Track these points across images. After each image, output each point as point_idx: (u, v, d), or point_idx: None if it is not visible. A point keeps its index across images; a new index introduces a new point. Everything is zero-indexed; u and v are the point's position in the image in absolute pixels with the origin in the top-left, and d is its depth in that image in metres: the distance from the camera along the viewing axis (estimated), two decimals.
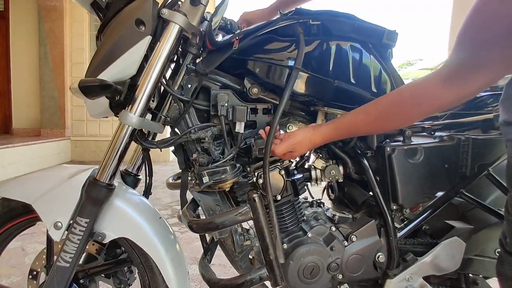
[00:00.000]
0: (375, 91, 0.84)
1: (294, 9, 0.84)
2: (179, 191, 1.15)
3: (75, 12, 5.41)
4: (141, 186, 0.99)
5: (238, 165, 0.81)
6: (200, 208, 0.82)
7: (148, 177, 0.96)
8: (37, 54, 5.34)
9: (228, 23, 1.08)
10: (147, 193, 0.96)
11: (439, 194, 0.90)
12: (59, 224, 0.76)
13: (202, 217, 0.79)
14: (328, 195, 1.08)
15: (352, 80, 0.81)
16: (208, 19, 0.85)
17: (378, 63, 0.85)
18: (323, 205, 1.01)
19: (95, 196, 0.75)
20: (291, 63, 0.77)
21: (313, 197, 1.02)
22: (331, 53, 0.80)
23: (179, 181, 1.01)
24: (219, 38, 1.08)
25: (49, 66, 5.32)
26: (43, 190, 0.79)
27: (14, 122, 5.49)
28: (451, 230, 0.90)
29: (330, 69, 0.79)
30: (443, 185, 0.89)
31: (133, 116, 0.73)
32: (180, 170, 0.92)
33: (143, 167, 0.98)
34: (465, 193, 0.89)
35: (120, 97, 0.74)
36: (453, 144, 0.88)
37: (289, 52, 0.78)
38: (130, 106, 0.74)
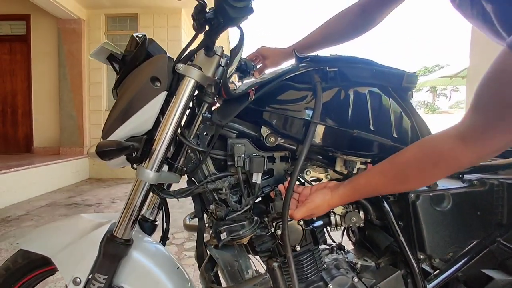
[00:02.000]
0: (396, 136, 0.81)
1: (309, 54, 0.82)
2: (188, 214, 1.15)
3: (92, 34, 5.60)
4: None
5: (255, 218, 0.79)
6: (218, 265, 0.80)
7: (165, 223, 0.95)
8: (57, 75, 5.53)
9: (243, 62, 1.07)
10: (164, 239, 0.96)
11: (473, 242, 0.85)
12: (78, 280, 0.75)
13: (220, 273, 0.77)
14: (349, 237, 1.04)
15: (372, 128, 0.78)
16: (223, 65, 0.85)
17: (398, 106, 0.82)
18: (344, 249, 0.98)
19: (112, 253, 0.74)
20: (308, 114, 0.75)
21: (333, 240, 0.99)
22: (350, 101, 0.77)
23: (195, 221, 1.00)
24: (235, 78, 1.08)
25: (68, 87, 5.49)
26: (62, 244, 0.79)
27: (35, 141, 5.66)
28: (490, 282, 0.84)
29: (349, 118, 0.77)
30: (477, 233, 0.83)
31: (150, 172, 0.72)
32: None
33: (161, 212, 0.97)
34: (502, 241, 0.83)
35: (137, 153, 0.73)
36: (485, 190, 0.83)
37: (306, 103, 0.76)
38: (147, 161, 0.73)
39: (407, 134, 0.83)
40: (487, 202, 0.84)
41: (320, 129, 0.76)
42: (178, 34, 5.74)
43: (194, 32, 0.72)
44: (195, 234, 1.04)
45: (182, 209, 3.52)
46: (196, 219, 1.18)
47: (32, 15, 5.56)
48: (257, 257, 0.87)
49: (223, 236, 0.73)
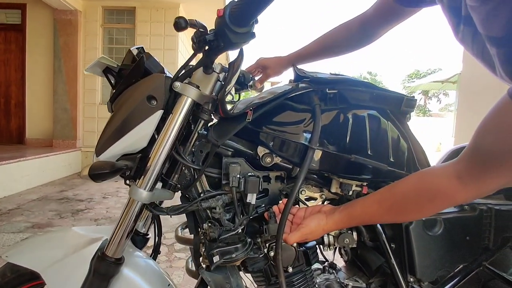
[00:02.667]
0: (393, 160, 0.81)
1: (309, 73, 0.82)
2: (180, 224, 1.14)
3: (89, 26, 5.52)
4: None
5: (249, 240, 0.78)
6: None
7: (157, 237, 0.94)
8: (52, 67, 5.45)
9: (241, 75, 1.06)
10: (155, 252, 0.95)
11: (460, 265, 0.86)
12: None
13: None
14: (341, 254, 1.04)
15: (370, 152, 0.78)
16: (221, 80, 0.84)
17: (396, 130, 0.82)
18: (335, 267, 0.98)
19: (103, 272, 0.74)
20: (306, 138, 0.75)
21: (326, 259, 0.98)
22: (348, 124, 0.77)
23: (187, 232, 1.00)
24: (232, 91, 1.07)
25: (63, 79, 5.42)
26: (52, 259, 0.78)
27: (27, 132, 5.59)
28: None
29: (347, 142, 0.76)
30: (465, 257, 0.84)
31: (143, 191, 0.71)
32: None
33: (152, 226, 0.96)
34: (487, 265, 0.84)
35: (130, 172, 0.72)
36: (475, 215, 0.84)
37: (304, 126, 0.75)
38: (141, 180, 0.72)
39: (403, 158, 0.82)
40: (476, 227, 0.85)
41: (317, 153, 0.76)
42: (174, 43, 5.68)
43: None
44: (183, 245, 1.03)
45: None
46: (188, 229, 1.18)
47: (28, 4, 5.47)
48: (248, 274, 0.87)
49: (216, 259, 0.73)
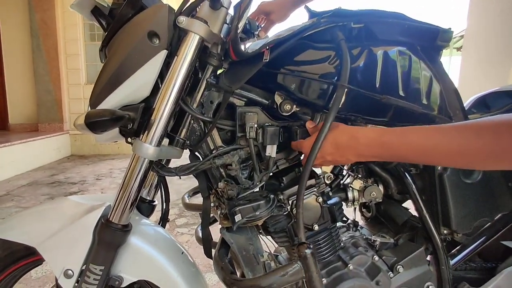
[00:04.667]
0: (426, 102, 0.72)
1: (331, 9, 0.71)
2: (187, 191, 1.06)
3: (67, 1, 5.18)
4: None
5: (272, 196, 0.70)
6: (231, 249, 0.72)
7: (164, 203, 0.86)
8: (30, 46, 5.15)
9: (246, 22, 0.95)
10: (164, 220, 0.86)
11: (499, 214, 0.80)
12: (70, 272, 0.66)
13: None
14: (362, 213, 0.98)
15: (401, 93, 0.69)
16: (228, 23, 0.73)
17: (428, 70, 0.73)
18: (358, 225, 0.91)
19: (109, 241, 0.65)
20: (333, 76, 0.65)
21: (346, 217, 0.92)
22: (378, 63, 0.68)
23: (196, 199, 0.92)
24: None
25: (43, 59, 5.14)
26: (49, 232, 0.68)
27: (10, 117, 5.35)
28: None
29: (377, 82, 0.67)
30: (505, 205, 0.78)
31: (149, 146, 0.61)
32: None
33: (159, 191, 0.88)
34: None
35: (133, 125, 0.62)
36: None
37: (330, 63, 0.66)
38: (145, 134, 0.62)
39: (436, 100, 0.74)
40: None
41: (345, 95, 0.67)
42: None
43: None
44: (192, 211, 0.95)
45: (170, 183, 3.42)
46: (195, 197, 1.10)
47: None
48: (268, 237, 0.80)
49: (238, 218, 0.64)
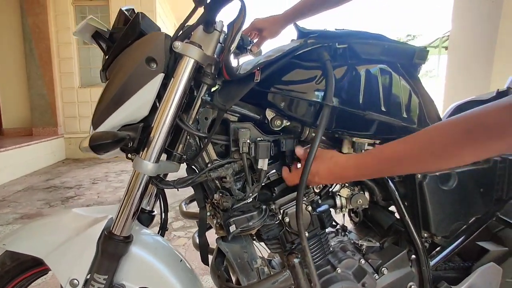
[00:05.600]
0: (406, 116, 0.78)
1: (314, 29, 0.76)
2: (184, 199, 1.10)
3: (59, 4, 5.18)
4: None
5: (264, 207, 0.75)
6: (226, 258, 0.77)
7: (163, 213, 0.90)
8: (23, 50, 5.14)
9: (240, 38, 0.99)
10: (163, 230, 0.91)
11: (473, 218, 0.86)
12: (75, 281, 0.70)
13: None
14: (350, 218, 1.04)
15: (383, 108, 0.75)
16: (222, 42, 0.77)
17: (407, 85, 0.79)
18: (346, 229, 0.97)
19: (112, 252, 0.69)
20: (318, 95, 0.70)
21: (335, 222, 0.97)
22: (360, 80, 0.73)
23: (194, 207, 0.96)
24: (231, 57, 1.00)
25: (36, 63, 5.13)
26: (55, 243, 0.73)
27: (4, 122, 5.33)
28: (486, 254, 0.86)
29: (360, 98, 0.72)
30: (478, 209, 0.84)
31: (148, 163, 0.66)
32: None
33: (158, 202, 0.92)
34: (500, 215, 0.85)
35: (133, 143, 0.67)
36: (489, 167, 0.83)
37: (316, 83, 0.71)
38: (145, 151, 0.67)
39: (415, 113, 0.80)
40: (490, 178, 0.85)
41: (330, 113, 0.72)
42: (151, 5, 5.40)
43: (172, 3, 0.64)
44: (189, 219, 0.99)
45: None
46: (191, 205, 1.14)
47: None
48: (262, 243, 0.85)
49: (232, 228, 0.69)
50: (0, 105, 5.30)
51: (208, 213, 0.85)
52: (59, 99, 5.40)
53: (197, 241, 0.95)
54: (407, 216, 0.84)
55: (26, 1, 4.99)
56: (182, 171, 0.81)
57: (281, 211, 0.78)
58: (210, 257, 0.86)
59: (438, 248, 0.88)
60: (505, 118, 0.45)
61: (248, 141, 0.74)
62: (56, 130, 5.34)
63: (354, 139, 0.78)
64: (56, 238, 0.73)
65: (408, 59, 0.77)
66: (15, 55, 5.16)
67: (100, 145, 0.57)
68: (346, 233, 0.94)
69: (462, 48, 3.28)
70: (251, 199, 0.77)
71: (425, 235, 0.84)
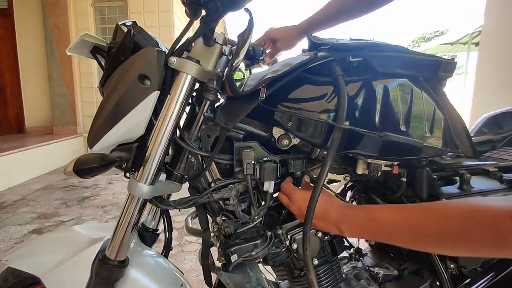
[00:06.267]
0: (428, 135, 0.70)
1: (327, 39, 0.70)
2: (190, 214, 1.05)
3: (79, 5, 5.27)
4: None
5: (269, 234, 0.69)
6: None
7: (167, 232, 0.86)
8: (44, 51, 5.26)
9: (250, 48, 0.94)
10: (167, 250, 0.87)
11: None
12: None
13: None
14: (367, 241, 0.96)
15: (402, 128, 0.67)
16: (226, 53, 0.72)
17: (431, 101, 0.70)
18: (361, 253, 0.90)
19: (106, 276, 0.66)
20: (329, 116, 0.64)
21: (350, 244, 0.90)
22: (377, 97, 0.65)
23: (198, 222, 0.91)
24: (241, 66, 0.95)
25: (57, 63, 5.24)
26: (52, 263, 0.72)
27: (26, 121, 5.49)
28: None
29: (376, 118, 0.65)
30: None
31: (143, 185, 0.62)
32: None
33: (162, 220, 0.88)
34: None
35: (127, 164, 0.62)
36: None
37: (326, 101, 0.64)
38: (140, 172, 0.62)
39: (440, 131, 0.72)
40: None
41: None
42: (169, 5, 5.41)
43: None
44: (194, 236, 0.94)
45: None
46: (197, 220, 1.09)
47: None
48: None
49: (234, 258, 0.64)
50: (24, 104, 5.45)
51: (212, 234, 0.80)
52: (79, 98, 5.50)
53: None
54: None
55: (47, 3, 5.10)
56: (186, 187, 0.76)
57: (289, 236, 0.72)
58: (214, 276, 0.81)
59: (468, 281, 0.80)
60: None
61: (253, 162, 0.68)
62: (75, 129, 5.45)
63: (370, 160, 0.71)
64: (54, 258, 0.73)
65: (433, 72, 0.69)
66: (37, 56, 5.29)
67: (85, 169, 0.52)
68: (361, 258, 0.87)
69: (495, 44, 3.10)
70: (255, 223, 0.72)
71: (452, 265, 0.76)
